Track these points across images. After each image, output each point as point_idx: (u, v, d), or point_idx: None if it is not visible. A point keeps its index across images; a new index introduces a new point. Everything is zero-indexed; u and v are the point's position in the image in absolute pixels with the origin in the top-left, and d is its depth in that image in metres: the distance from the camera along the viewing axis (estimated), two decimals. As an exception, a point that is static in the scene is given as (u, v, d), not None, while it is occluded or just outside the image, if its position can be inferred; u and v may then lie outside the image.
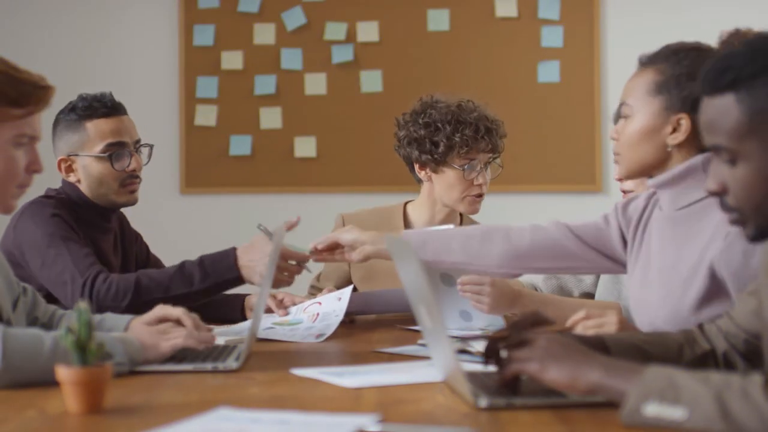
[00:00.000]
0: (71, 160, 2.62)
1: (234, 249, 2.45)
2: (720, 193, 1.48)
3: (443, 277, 2.45)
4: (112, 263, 2.65)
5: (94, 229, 2.63)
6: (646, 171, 2.03)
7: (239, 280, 2.44)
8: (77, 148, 2.62)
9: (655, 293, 1.97)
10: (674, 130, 1.97)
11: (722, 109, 1.44)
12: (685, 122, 1.96)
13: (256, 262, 2.41)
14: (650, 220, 2.08)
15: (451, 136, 2.78)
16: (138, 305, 2.33)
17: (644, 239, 2.06)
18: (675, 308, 1.91)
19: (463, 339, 2.13)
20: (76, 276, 2.42)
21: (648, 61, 2.03)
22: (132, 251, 2.79)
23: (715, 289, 1.87)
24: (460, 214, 2.98)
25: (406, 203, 3.00)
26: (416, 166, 2.89)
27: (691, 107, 1.92)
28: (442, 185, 2.86)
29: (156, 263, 2.86)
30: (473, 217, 2.98)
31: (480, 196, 2.85)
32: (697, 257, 1.90)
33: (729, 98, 1.43)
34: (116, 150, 2.61)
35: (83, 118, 2.61)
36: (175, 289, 2.42)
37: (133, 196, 2.65)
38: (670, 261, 1.96)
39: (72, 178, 2.63)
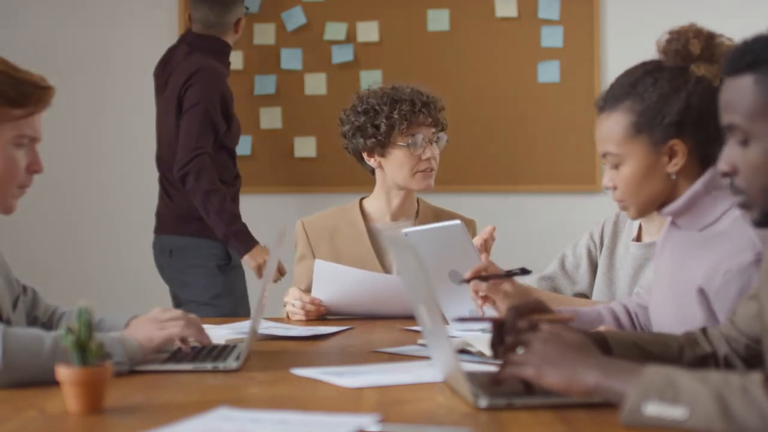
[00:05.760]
0: None
1: None
2: (730, 174, 1.48)
3: (452, 275, 2.42)
4: None
5: None
6: (658, 206, 1.96)
7: None
8: None
9: (670, 312, 1.93)
10: (671, 158, 1.91)
11: (740, 89, 1.45)
12: (679, 147, 1.90)
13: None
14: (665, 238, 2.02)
15: (389, 115, 2.83)
16: None
17: (660, 255, 2.03)
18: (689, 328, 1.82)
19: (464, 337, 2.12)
20: None
21: (609, 104, 1.98)
22: None
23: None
24: (418, 201, 2.99)
25: (361, 199, 3.01)
26: (365, 155, 2.92)
27: (678, 130, 1.89)
28: (392, 167, 2.89)
29: None
30: (437, 203, 2.99)
31: (431, 170, 2.87)
32: (701, 282, 1.85)
33: (748, 79, 1.44)
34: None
35: None
36: None
37: None
38: (684, 280, 1.89)
39: None
